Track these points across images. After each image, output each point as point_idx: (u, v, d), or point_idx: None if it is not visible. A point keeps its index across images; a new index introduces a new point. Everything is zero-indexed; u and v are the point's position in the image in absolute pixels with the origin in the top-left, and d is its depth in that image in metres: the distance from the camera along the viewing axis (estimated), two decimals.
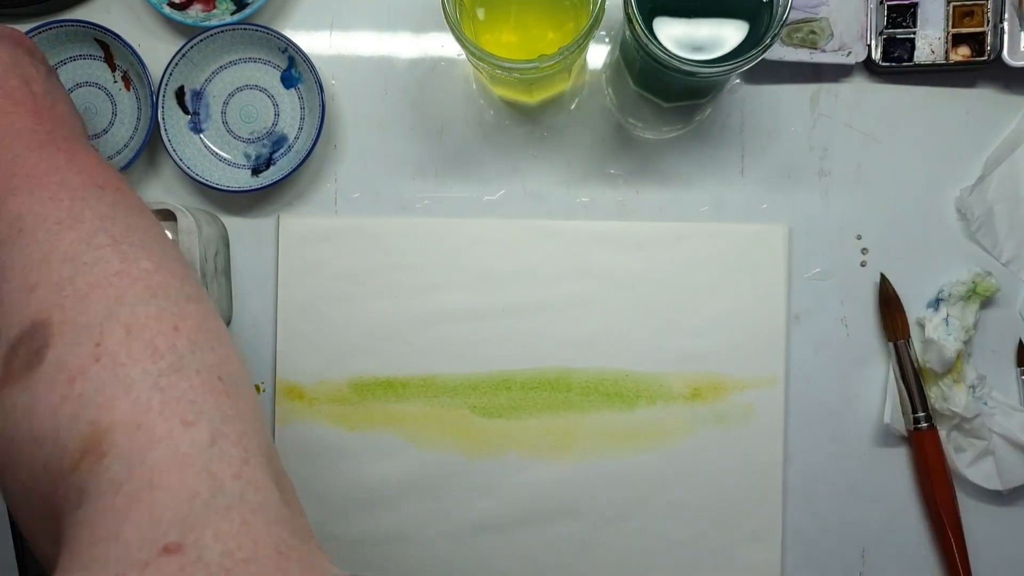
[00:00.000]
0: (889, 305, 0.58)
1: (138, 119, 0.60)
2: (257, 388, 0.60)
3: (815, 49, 0.58)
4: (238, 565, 0.27)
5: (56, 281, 0.34)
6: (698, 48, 0.49)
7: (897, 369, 0.58)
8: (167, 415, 0.30)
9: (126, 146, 0.60)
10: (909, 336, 0.58)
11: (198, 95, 0.60)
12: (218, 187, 0.58)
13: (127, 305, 0.33)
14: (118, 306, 0.33)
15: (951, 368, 0.57)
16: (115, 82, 0.60)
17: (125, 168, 0.58)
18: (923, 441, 0.57)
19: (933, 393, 0.58)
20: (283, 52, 0.59)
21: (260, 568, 0.27)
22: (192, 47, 0.58)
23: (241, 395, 0.33)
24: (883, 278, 0.58)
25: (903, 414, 0.58)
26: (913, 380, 0.57)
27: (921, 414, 0.57)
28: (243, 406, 0.32)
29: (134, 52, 0.58)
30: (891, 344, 0.58)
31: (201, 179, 0.58)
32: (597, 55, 0.60)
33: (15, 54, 0.46)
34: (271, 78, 0.60)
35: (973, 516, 0.58)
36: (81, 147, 0.43)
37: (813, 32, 0.57)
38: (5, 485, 0.34)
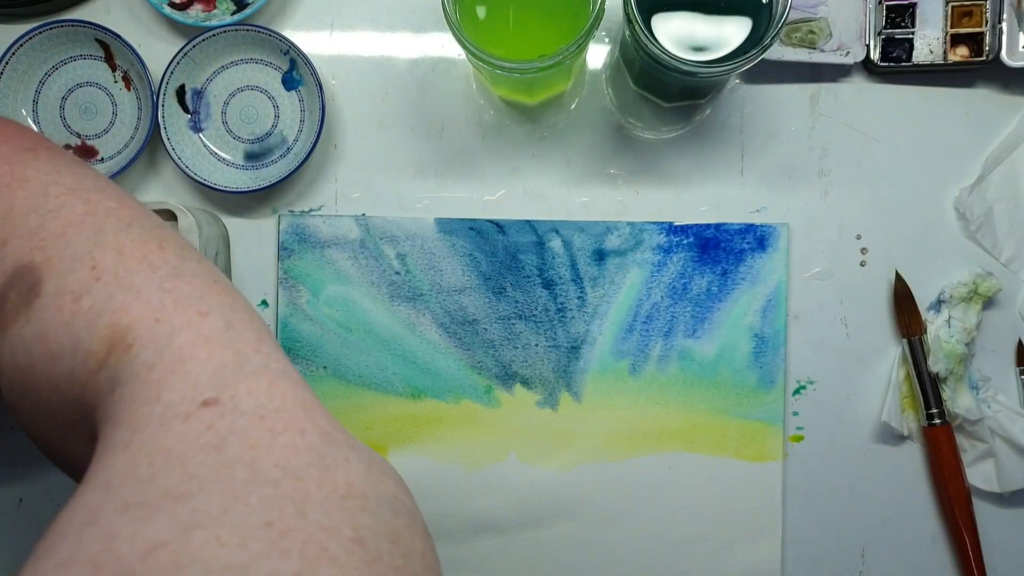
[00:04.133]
0: (903, 301, 0.58)
1: (138, 119, 0.60)
2: None
3: (814, 49, 0.58)
4: (270, 414, 0.30)
5: (26, 231, 0.36)
6: (697, 48, 0.49)
7: (912, 365, 0.58)
8: (180, 309, 0.33)
9: (126, 146, 0.60)
10: (924, 332, 0.58)
11: (199, 94, 0.60)
12: (217, 187, 0.58)
13: (108, 234, 0.35)
14: (100, 236, 0.35)
15: (954, 370, 0.57)
16: (115, 82, 0.60)
17: (125, 168, 0.58)
18: (937, 437, 0.57)
19: None
20: (285, 54, 0.59)
21: (290, 417, 0.30)
22: (194, 46, 0.58)
23: (238, 295, 0.35)
24: (897, 275, 0.58)
25: (916, 411, 0.58)
26: (927, 376, 0.57)
27: (935, 410, 0.57)
28: (243, 302, 0.35)
29: (134, 52, 0.58)
30: (905, 340, 0.58)
31: (201, 179, 0.58)
32: (597, 55, 0.60)
33: None
34: (272, 80, 0.60)
35: (979, 515, 0.58)
36: None
37: (812, 32, 0.58)
38: (25, 414, 0.36)
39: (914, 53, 0.58)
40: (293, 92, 0.60)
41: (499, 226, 0.59)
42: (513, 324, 0.59)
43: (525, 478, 0.59)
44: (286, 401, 0.31)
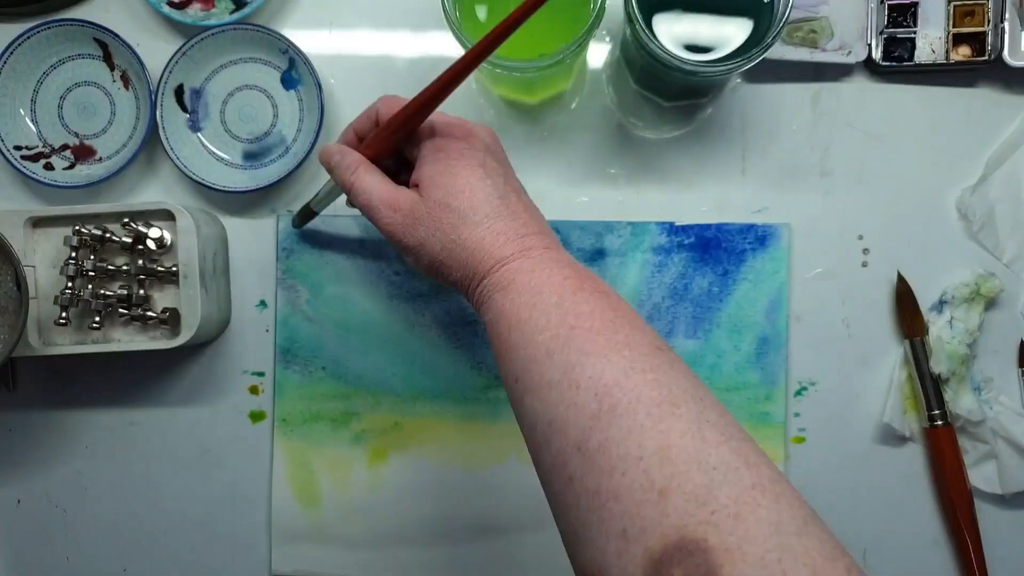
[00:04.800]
0: (905, 302, 0.58)
1: (137, 118, 0.60)
2: (256, 389, 0.60)
3: (815, 48, 0.57)
4: None
5: (691, 490, 0.31)
6: (699, 47, 0.49)
7: (914, 366, 0.57)
8: None
9: (125, 146, 0.60)
10: (925, 333, 0.57)
11: (197, 93, 0.60)
12: (216, 187, 0.58)
13: (788, 535, 0.30)
14: (781, 535, 0.30)
15: (956, 371, 0.57)
16: (114, 81, 0.60)
17: (124, 168, 0.58)
18: (939, 438, 0.57)
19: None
20: (284, 53, 0.59)
21: None
22: (193, 45, 0.58)
23: None
24: (899, 275, 0.58)
25: (918, 412, 0.58)
26: (929, 377, 0.57)
27: (937, 411, 0.57)
28: None
29: (133, 51, 0.57)
30: (907, 341, 0.58)
31: (199, 179, 0.58)
32: (597, 54, 0.60)
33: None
34: (271, 79, 0.59)
35: (981, 516, 0.58)
36: (598, 281, 0.39)
37: (813, 31, 0.57)
38: None
39: (916, 52, 0.57)
40: (292, 91, 0.59)
41: None
42: None
43: (525, 480, 0.59)
44: None
